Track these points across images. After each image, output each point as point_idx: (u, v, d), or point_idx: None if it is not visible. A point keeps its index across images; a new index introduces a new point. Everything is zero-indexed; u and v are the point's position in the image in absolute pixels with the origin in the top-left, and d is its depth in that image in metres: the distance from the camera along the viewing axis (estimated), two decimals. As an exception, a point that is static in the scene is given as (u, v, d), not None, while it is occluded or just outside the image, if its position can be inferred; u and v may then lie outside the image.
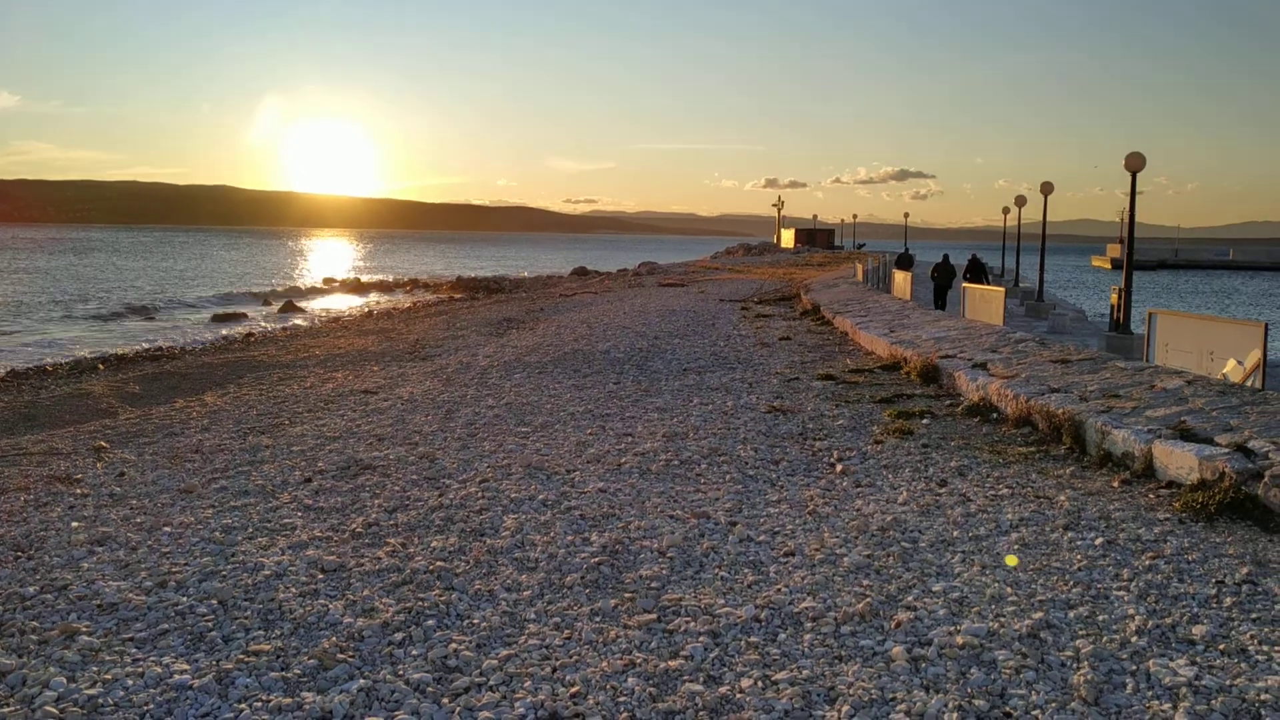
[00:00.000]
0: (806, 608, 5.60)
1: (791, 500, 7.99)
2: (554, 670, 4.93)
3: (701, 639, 5.25)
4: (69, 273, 73.75)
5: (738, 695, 4.61)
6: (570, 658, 5.08)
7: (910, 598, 5.75)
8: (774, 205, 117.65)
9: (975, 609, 5.56)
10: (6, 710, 4.57)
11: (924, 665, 4.87)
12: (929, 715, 4.37)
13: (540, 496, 8.19)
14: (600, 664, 4.97)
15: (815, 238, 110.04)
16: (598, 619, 5.59)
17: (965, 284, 23.80)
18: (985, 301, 21.09)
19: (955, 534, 6.97)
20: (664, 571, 6.35)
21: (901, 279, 30.81)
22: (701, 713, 4.46)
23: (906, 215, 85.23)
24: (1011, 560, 6.33)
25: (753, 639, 5.24)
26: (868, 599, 5.70)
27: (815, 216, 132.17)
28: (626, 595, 5.93)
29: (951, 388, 12.93)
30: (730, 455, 9.64)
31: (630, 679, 4.79)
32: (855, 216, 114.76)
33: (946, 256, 30.70)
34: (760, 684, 4.72)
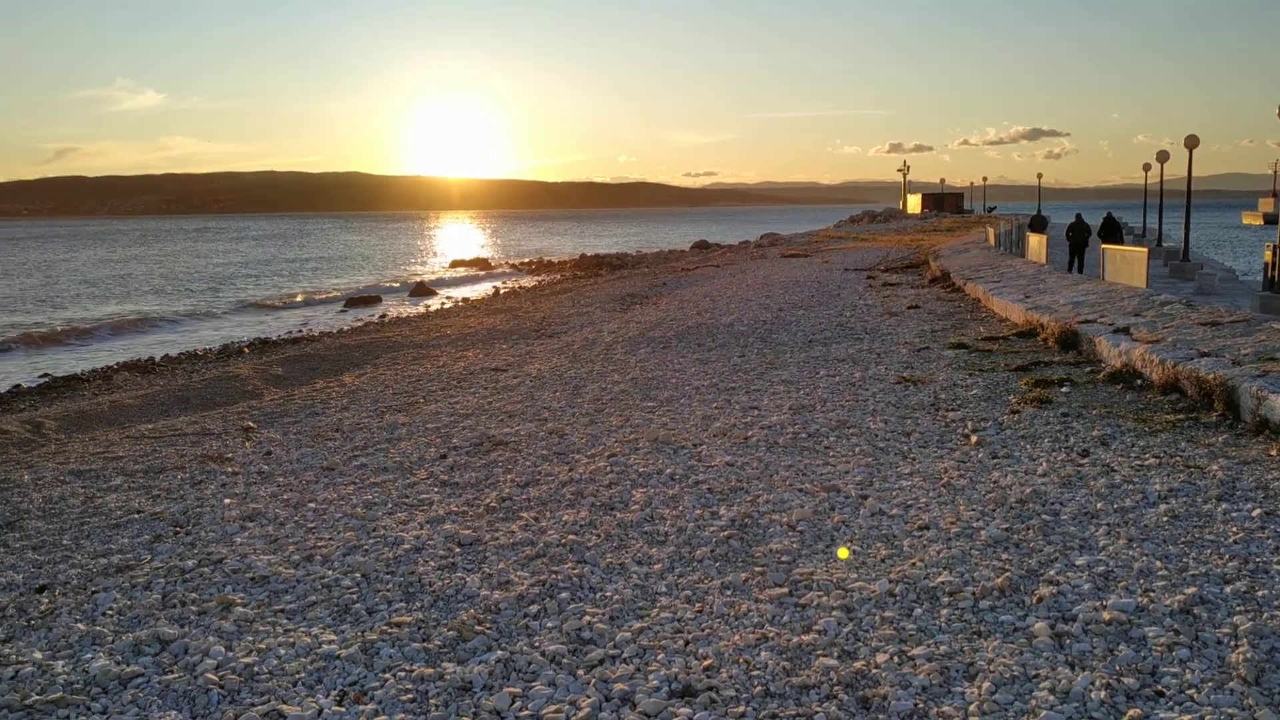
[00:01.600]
0: (943, 582, 5.48)
1: (924, 473, 7.82)
2: (686, 643, 4.95)
3: (835, 613, 5.19)
4: (214, 259, 77.35)
5: (873, 670, 4.55)
6: (702, 631, 5.09)
7: (1052, 572, 5.57)
8: (899, 170, 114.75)
9: (1122, 584, 5.34)
10: (171, 676, 4.84)
11: (1068, 641, 4.71)
12: (1075, 693, 4.22)
13: (668, 470, 8.22)
14: (732, 637, 4.97)
15: (943, 202, 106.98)
16: (729, 592, 5.59)
17: (1104, 245, 22.77)
18: (1127, 263, 20.15)
19: (1099, 506, 6.70)
20: (794, 545, 6.30)
21: (1036, 242, 29.71)
22: (837, 687, 4.41)
23: (1040, 176, 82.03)
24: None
25: (887, 614, 5.16)
26: (1007, 573, 5.54)
27: (942, 180, 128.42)
28: (757, 569, 5.91)
29: (1092, 354, 12.43)
30: (859, 427, 9.48)
31: (763, 653, 4.78)
32: (985, 179, 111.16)
33: (1079, 216, 29.45)
34: (896, 659, 4.65)
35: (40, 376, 22.50)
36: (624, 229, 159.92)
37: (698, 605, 5.42)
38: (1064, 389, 10.63)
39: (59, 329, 33.74)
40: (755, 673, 4.60)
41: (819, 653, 4.76)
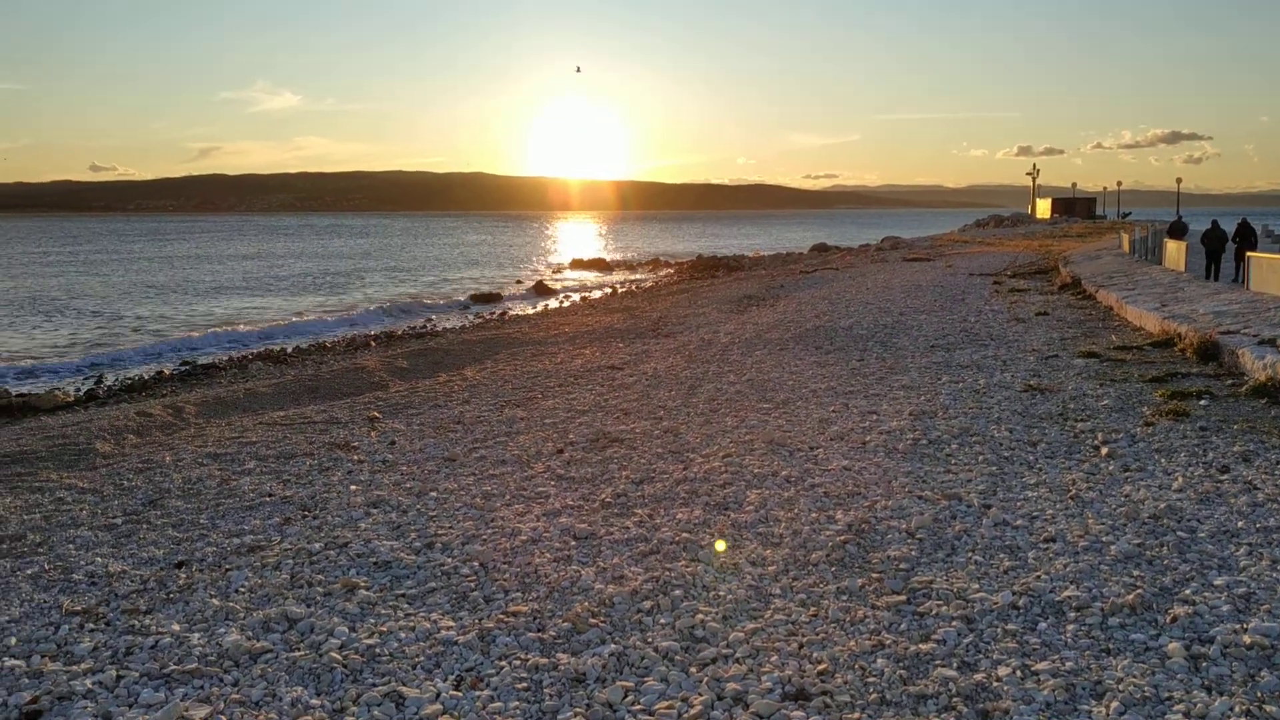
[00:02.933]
0: (1069, 596, 5.29)
1: (1051, 484, 7.56)
2: (800, 646, 4.90)
3: (954, 623, 5.06)
4: (342, 254, 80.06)
5: (994, 683, 4.42)
6: (817, 635, 5.03)
7: (1188, 591, 5.32)
8: (1028, 174, 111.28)
9: (1265, 606, 5.06)
10: (297, 654, 5.02)
11: (1205, 664, 4.49)
12: (1212, 718, 4.02)
13: (783, 473, 8.15)
14: (848, 643, 4.90)
15: (1074, 207, 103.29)
16: (844, 598, 5.51)
17: (1250, 254, 21.62)
18: (1274, 272, 19.09)
19: (1239, 524, 6.38)
20: (913, 553, 6.17)
21: (1174, 249, 28.44)
22: (956, 699, 4.30)
23: (1179, 181, 78.72)
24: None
25: (1010, 626, 5.01)
26: (1138, 590, 5.32)
27: (1074, 185, 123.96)
28: (874, 575, 5.81)
29: (1234, 366, 11.82)
30: (983, 435, 9.23)
31: (879, 660, 4.69)
32: (1119, 184, 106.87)
33: (1215, 222, 28.11)
34: (1019, 673, 4.50)
35: (181, 364, 23.64)
36: (741, 231, 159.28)
37: (812, 609, 5.36)
38: (1202, 402, 10.14)
39: (199, 319, 35.43)
40: (871, 679, 4.52)
41: (937, 662, 4.65)
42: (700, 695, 4.44)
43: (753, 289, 30.27)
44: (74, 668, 4.97)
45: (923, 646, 4.81)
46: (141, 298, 45.03)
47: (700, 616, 5.29)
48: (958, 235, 76.47)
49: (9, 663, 5.04)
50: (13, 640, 5.35)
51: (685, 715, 4.30)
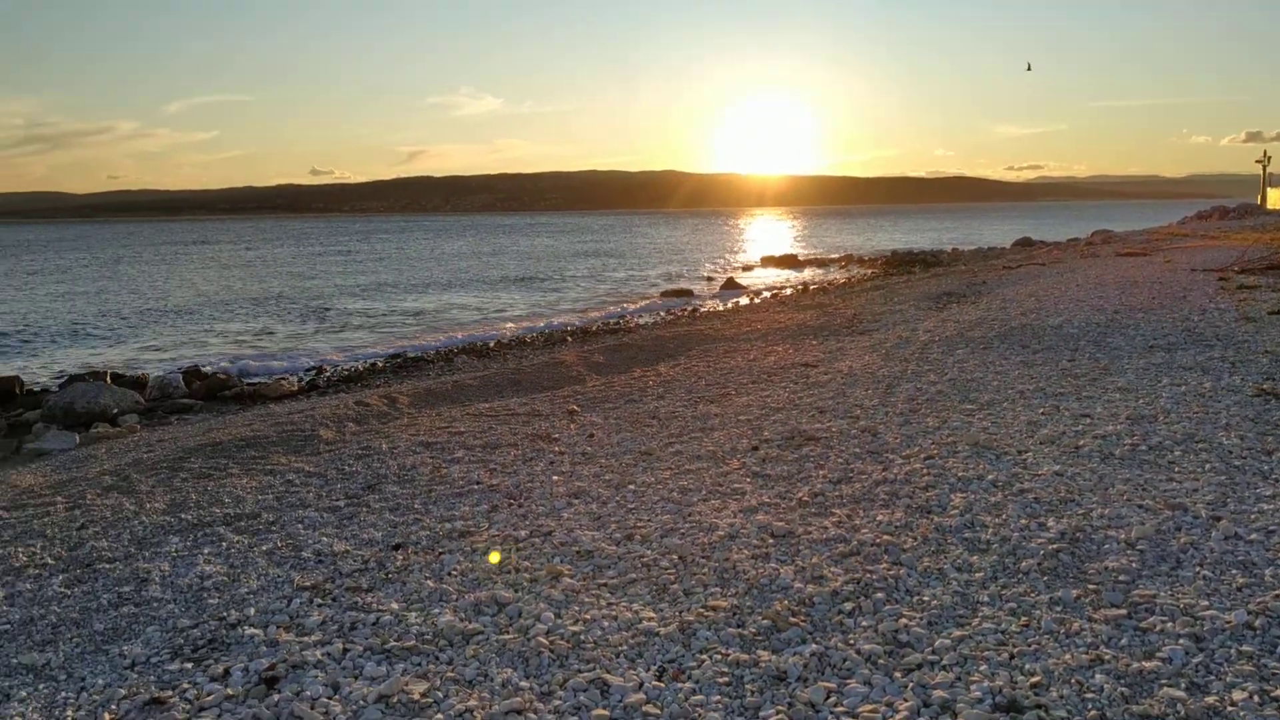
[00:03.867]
0: (1314, 619, 4.88)
1: (1290, 496, 6.98)
2: (1011, 657, 4.72)
3: (1181, 641, 4.75)
4: (539, 252, 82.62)
5: (1228, 708, 4.13)
6: (1029, 645, 4.83)
7: None
8: (1258, 161, 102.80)
9: None
10: (507, 637, 5.23)
11: None
12: None
13: (989, 476, 7.86)
14: (1063, 656, 4.68)
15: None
16: (1058, 608, 5.27)
17: None
18: None
19: None
20: (1133, 564, 5.83)
21: None
22: (1184, 722, 4.04)
23: None
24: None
25: (1245, 648, 4.66)
26: (1397, 617, 4.84)
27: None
28: (1090, 586, 5.52)
29: None
30: (1209, 442, 8.62)
31: (1098, 675, 4.46)
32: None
33: None
34: (1256, 698, 4.19)
35: (393, 356, 25.00)
36: (939, 225, 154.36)
37: (1024, 619, 5.15)
38: None
39: (406, 314, 37.33)
40: (1089, 695, 4.30)
41: (1163, 682, 4.39)
42: (905, 701, 4.35)
43: (952, 285, 29.29)
44: (305, 639, 5.35)
45: (1146, 664, 4.54)
46: (356, 291, 47.85)
47: (904, 620, 5.18)
48: (1176, 228, 71.60)
49: (249, 631, 5.47)
50: (252, 611, 5.81)
51: (890, 720, 4.22)
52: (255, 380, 22.31)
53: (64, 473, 10.46)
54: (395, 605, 5.77)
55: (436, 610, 5.66)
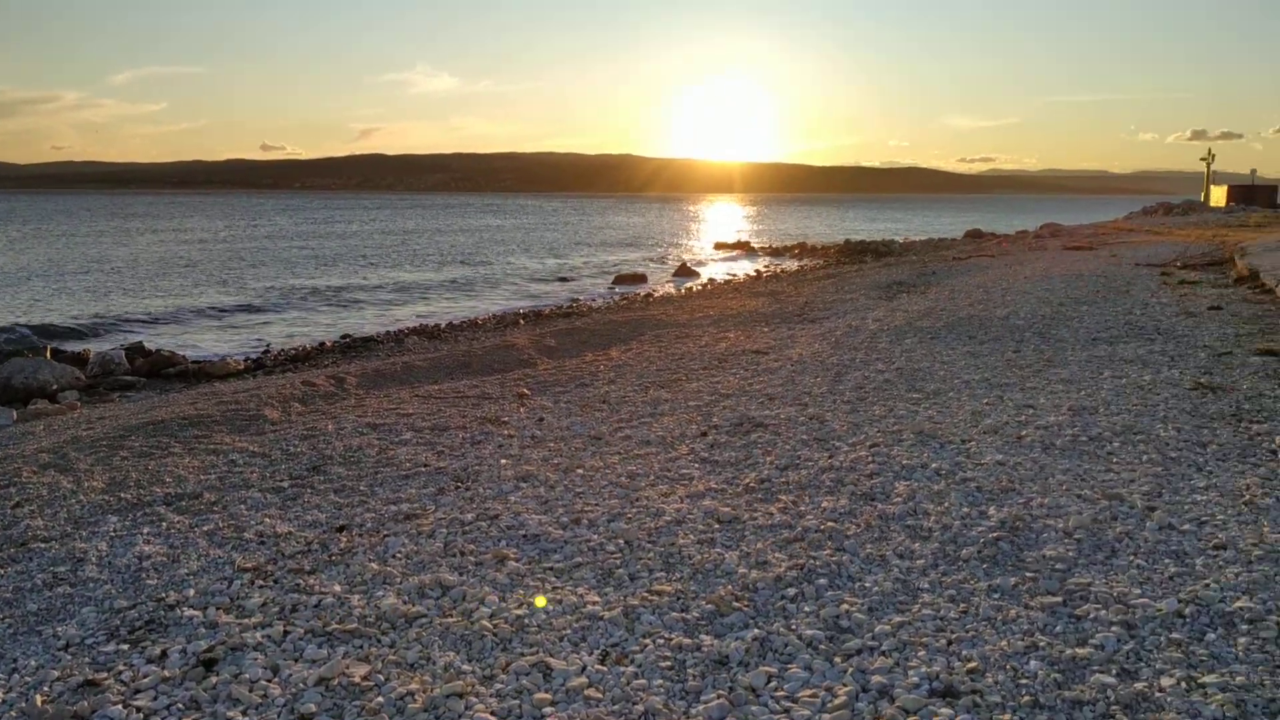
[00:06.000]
0: (1241, 608, 5.01)
1: (1222, 488, 7.16)
2: (949, 643, 4.79)
3: (1114, 629, 4.86)
4: (492, 235, 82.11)
5: (1157, 694, 4.23)
6: (966, 632, 4.91)
7: (1377, 610, 4.96)
8: (1202, 159, 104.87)
9: None
10: (450, 620, 5.21)
11: (1395, 689, 4.18)
12: (1402, 747, 3.76)
13: (933, 465, 7.96)
14: (999, 642, 4.77)
15: (1253, 195, 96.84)
16: (996, 596, 5.36)
17: None
18: None
19: None
20: (1070, 553, 5.95)
21: (1367, 241, 26.37)
22: (1114, 706, 4.14)
23: (1375, 167, 73.12)
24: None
25: (1175, 635, 4.78)
26: (1320, 606, 4.99)
27: (1253, 171, 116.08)
28: (1028, 574, 5.62)
29: None
30: (1147, 434, 8.80)
31: (1032, 661, 4.55)
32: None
33: None
34: (1184, 685, 4.30)
35: (342, 336, 24.73)
36: (891, 215, 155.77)
37: (962, 605, 5.24)
38: (1398, 407, 9.41)
39: (355, 293, 36.91)
40: (1023, 681, 4.39)
41: (1095, 668, 4.48)
42: (845, 685, 4.40)
43: (902, 275, 29.58)
44: (245, 621, 5.29)
45: (1079, 651, 4.64)
46: (306, 270, 47.22)
47: (845, 606, 5.24)
48: (1123, 223, 72.90)
49: (188, 612, 5.40)
50: (191, 592, 5.73)
51: (829, 705, 4.27)
52: (200, 358, 21.95)
53: (-1, 450, 10.22)
54: (338, 588, 5.72)
55: (380, 593, 5.62)
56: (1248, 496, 6.91)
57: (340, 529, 6.81)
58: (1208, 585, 5.35)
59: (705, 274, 47.71)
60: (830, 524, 6.56)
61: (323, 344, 23.05)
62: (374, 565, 6.07)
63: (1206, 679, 4.33)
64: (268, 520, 7.05)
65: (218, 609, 5.46)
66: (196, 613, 5.39)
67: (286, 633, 5.13)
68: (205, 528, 6.94)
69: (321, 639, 5.06)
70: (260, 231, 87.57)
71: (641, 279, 44.53)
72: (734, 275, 45.58)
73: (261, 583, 5.87)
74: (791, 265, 51.44)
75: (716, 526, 6.63)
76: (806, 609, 5.26)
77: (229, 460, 8.89)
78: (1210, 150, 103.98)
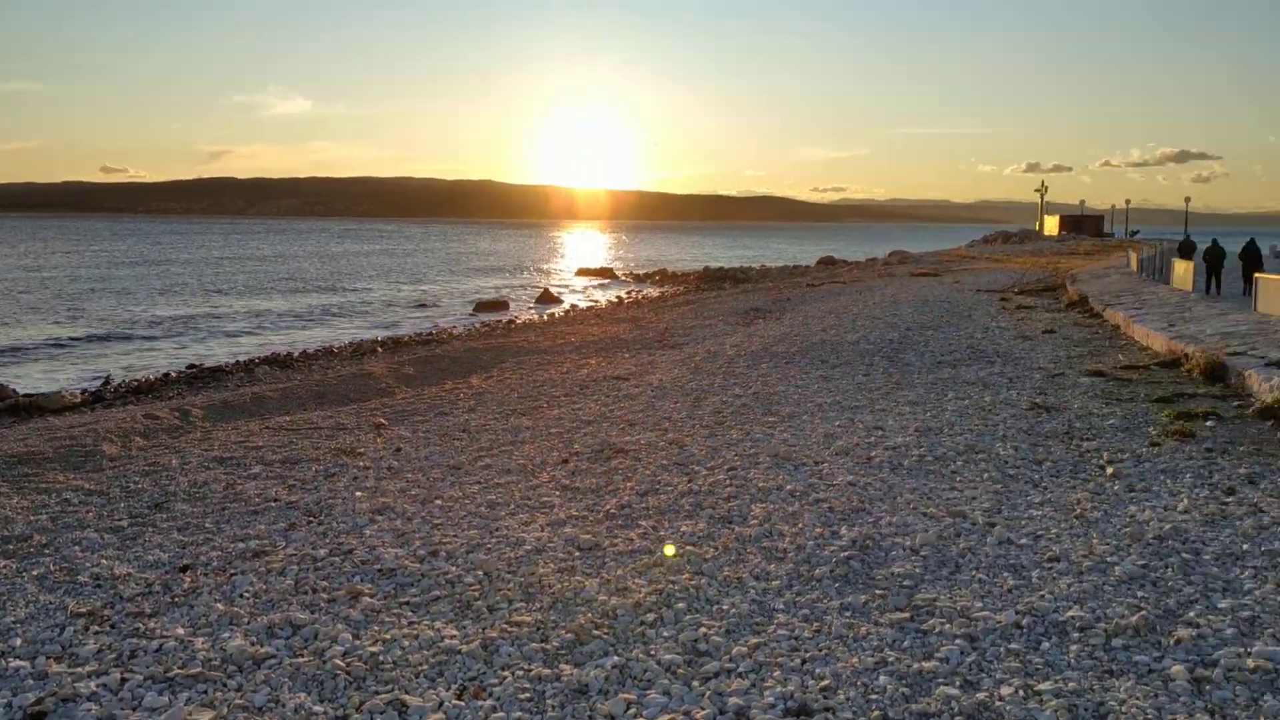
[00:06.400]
0: (1073, 617, 5.29)
1: (1056, 503, 7.56)
2: (803, 662, 4.90)
3: (958, 641, 5.06)
4: (349, 260, 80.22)
5: (996, 703, 4.42)
6: (820, 651, 5.03)
7: (1192, 614, 5.32)
8: (1036, 191, 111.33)
9: (1270, 630, 5.06)
10: (301, 660, 5.04)
11: (1209, 688, 4.48)
12: (1214, 742, 4.02)
13: (788, 487, 8.15)
14: (850, 659, 4.90)
15: (1082, 225, 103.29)
16: (848, 614, 5.51)
17: (1259, 275, 21.60)
18: (1282, 294, 19.04)
19: (1245, 547, 6.37)
20: (917, 570, 6.17)
21: (1182, 269, 28.42)
22: (958, 717, 4.30)
23: (1188, 200, 78.83)
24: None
25: (1013, 645, 5.00)
26: (1142, 612, 5.31)
27: (1082, 202, 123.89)
28: (877, 592, 5.81)
29: (1241, 388, 11.81)
30: (988, 453, 9.23)
31: (882, 677, 4.69)
32: (1128, 202, 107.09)
33: (1215, 240, 28.18)
34: (1021, 693, 4.50)
35: (188, 367, 23.70)
36: (749, 243, 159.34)
37: (815, 624, 5.36)
38: (1209, 423, 10.14)
39: (202, 321, 35.49)
40: (874, 696, 4.52)
41: (940, 681, 4.65)
42: (703, 709, 4.44)
43: (759, 301, 30.29)
44: (78, 669, 4.99)
45: (926, 664, 4.81)
46: (149, 298, 45.14)
47: (703, 630, 5.30)
48: (965, 251, 76.46)
49: (14, 664, 5.06)
50: (18, 641, 5.38)
51: (687, 729, 4.30)
52: (32, 391, 20.67)
53: None
54: (181, 630, 5.46)
55: (226, 634, 5.39)
56: (1079, 510, 7.32)
57: (184, 568, 6.51)
58: (1043, 596, 5.63)
59: (568, 300, 47.78)
60: (689, 548, 6.63)
61: (167, 375, 22.06)
62: (220, 605, 5.82)
63: (1042, 686, 4.55)
64: (104, 561, 6.68)
65: (48, 658, 5.13)
66: (24, 663, 5.06)
67: (124, 680, 4.86)
68: (35, 571, 6.52)
69: (162, 685, 4.81)
70: (100, 259, 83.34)
71: (504, 306, 44.25)
72: (596, 302, 45.79)
73: (97, 628, 5.55)
74: (653, 291, 52.00)
75: (577, 554, 6.61)
76: (665, 634, 5.29)
77: (62, 499, 8.40)
78: (1044, 182, 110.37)
